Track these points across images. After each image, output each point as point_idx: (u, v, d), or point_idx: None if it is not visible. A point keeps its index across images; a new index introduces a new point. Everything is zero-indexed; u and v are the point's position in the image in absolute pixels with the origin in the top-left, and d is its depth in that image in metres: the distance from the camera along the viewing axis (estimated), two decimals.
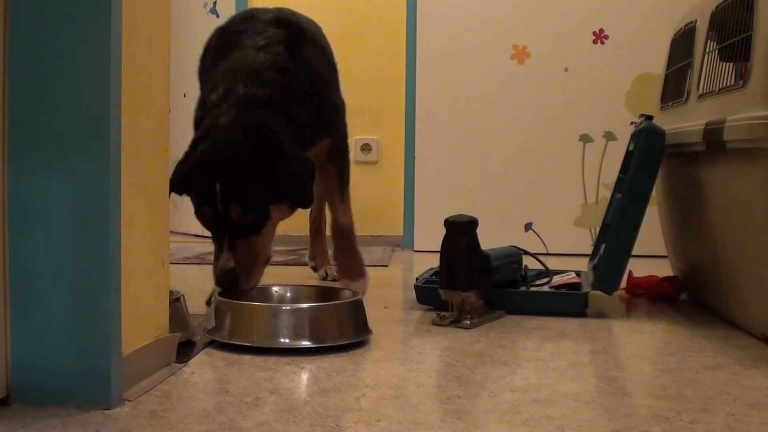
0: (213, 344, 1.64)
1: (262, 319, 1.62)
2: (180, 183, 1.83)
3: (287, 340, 1.58)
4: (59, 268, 1.19)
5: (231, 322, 1.63)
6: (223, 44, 2.07)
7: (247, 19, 2.11)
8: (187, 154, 1.87)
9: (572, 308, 2.05)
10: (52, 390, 1.20)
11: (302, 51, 2.06)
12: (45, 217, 1.19)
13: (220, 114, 1.86)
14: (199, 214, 1.84)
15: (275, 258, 3.24)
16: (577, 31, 3.63)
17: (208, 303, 2.08)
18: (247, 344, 1.58)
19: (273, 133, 1.84)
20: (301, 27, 2.15)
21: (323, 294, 1.86)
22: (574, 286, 2.19)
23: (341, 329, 1.64)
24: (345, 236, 2.32)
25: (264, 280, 1.96)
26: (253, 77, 1.91)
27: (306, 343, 1.58)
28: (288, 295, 1.87)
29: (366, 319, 1.72)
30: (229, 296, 1.70)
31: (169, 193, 1.96)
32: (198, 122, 1.94)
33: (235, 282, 1.76)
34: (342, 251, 2.32)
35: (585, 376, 1.48)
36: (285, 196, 1.84)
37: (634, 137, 2.23)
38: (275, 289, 1.88)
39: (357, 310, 1.70)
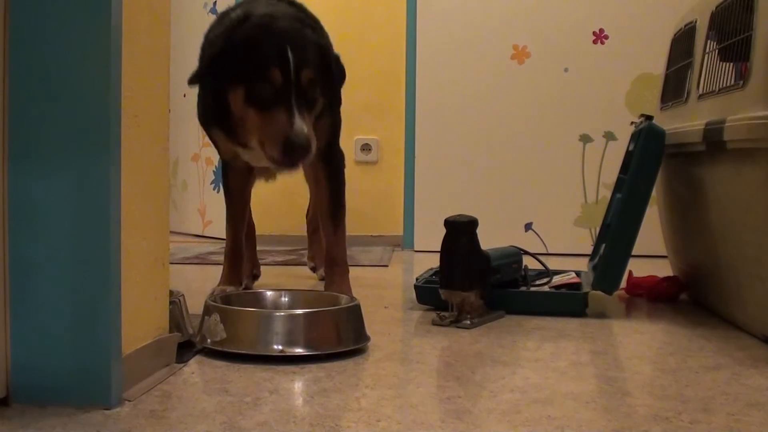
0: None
1: (255, 325, 1.57)
2: (245, 45, 1.81)
3: (280, 347, 1.53)
4: (59, 268, 1.20)
5: (223, 327, 1.58)
6: (226, 15, 2.04)
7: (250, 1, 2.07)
8: (227, 35, 1.85)
9: (572, 308, 2.05)
10: (52, 390, 1.20)
11: (310, 17, 2.07)
12: (45, 217, 1.19)
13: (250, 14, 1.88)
14: (265, 77, 1.76)
15: (275, 258, 3.27)
16: (577, 31, 3.63)
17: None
18: (240, 352, 1.54)
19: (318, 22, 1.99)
20: (306, 8, 2.14)
21: (321, 300, 1.80)
22: (574, 286, 2.19)
23: (338, 336, 1.60)
24: (337, 269, 2.17)
25: (262, 284, 1.95)
26: (272, 4, 1.95)
27: (300, 351, 1.53)
28: (284, 300, 1.81)
29: (364, 326, 1.67)
30: (292, 164, 1.73)
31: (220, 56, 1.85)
32: (215, 40, 1.93)
33: (309, 146, 1.71)
34: (331, 283, 2.16)
35: (585, 376, 1.48)
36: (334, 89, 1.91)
37: (634, 137, 2.23)
38: (270, 293, 1.83)
39: (354, 316, 1.65)
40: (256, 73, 1.77)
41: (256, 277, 2.62)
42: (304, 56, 1.79)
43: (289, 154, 1.72)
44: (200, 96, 2.08)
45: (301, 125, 1.70)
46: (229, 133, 1.95)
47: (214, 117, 1.99)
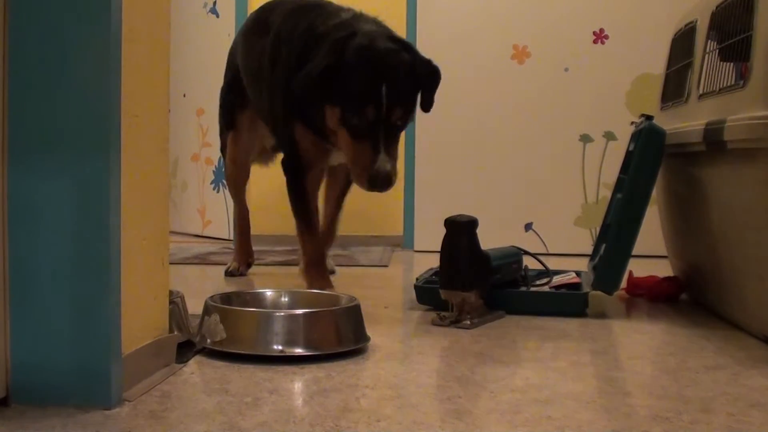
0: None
1: (255, 325, 1.56)
2: (350, 69, 1.94)
3: (280, 347, 1.53)
4: (59, 268, 1.20)
5: (223, 327, 1.57)
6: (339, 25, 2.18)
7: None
8: (335, 52, 1.96)
9: (572, 308, 2.05)
10: (52, 390, 1.20)
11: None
12: (45, 217, 1.19)
13: (343, 26, 2.07)
14: (360, 111, 1.93)
15: (275, 258, 3.27)
16: (577, 31, 3.63)
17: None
18: (240, 352, 1.53)
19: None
20: None
21: (321, 300, 1.80)
22: (574, 286, 2.19)
23: (338, 336, 1.60)
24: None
25: (262, 284, 1.96)
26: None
27: (300, 351, 1.53)
28: (284, 300, 1.81)
29: (363, 326, 1.67)
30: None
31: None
32: (301, 52, 2.08)
33: (390, 183, 1.94)
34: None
35: (585, 376, 1.48)
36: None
37: (634, 137, 2.23)
38: (270, 293, 1.83)
39: (354, 316, 1.65)
40: (353, 103, 1.94)
41: (249, 265, 2.76)
42: (397, 91, 1.94)
43: (372, 187, 1.96)
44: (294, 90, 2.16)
45: (384, 162, 1.92)
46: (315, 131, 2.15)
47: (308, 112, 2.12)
